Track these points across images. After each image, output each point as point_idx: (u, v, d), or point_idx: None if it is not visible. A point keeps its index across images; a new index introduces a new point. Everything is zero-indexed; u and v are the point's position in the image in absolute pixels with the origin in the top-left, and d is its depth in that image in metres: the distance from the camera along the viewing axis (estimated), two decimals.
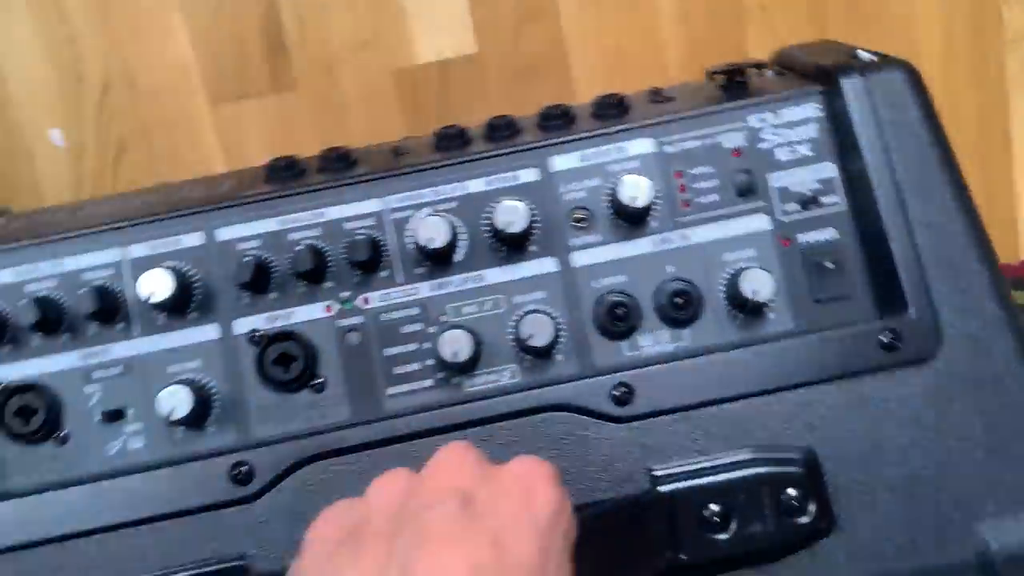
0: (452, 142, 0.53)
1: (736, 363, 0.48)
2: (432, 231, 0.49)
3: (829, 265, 0.50)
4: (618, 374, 0.48)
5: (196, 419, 0.49)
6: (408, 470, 0.39)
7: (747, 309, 0.49)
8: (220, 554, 0.46)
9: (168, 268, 0.48)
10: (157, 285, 0.48)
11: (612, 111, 0.54)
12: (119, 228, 0.51)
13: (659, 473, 0.46)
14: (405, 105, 0.78)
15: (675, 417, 0.47)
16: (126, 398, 0.50)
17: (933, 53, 0.80)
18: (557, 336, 0.49)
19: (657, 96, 0.56)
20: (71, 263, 0.50)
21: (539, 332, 0.48)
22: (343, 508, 0.38)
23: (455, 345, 0.48)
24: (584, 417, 0.47)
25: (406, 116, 0.78)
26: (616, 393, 0.47)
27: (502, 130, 0.53)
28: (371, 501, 0.37)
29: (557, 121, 0.54)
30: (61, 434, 0.49)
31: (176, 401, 0.47)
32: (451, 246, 0.50)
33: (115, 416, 0.49)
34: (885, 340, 0.47)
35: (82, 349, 0.50)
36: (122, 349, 0.50)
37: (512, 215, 0.49)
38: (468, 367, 0.50)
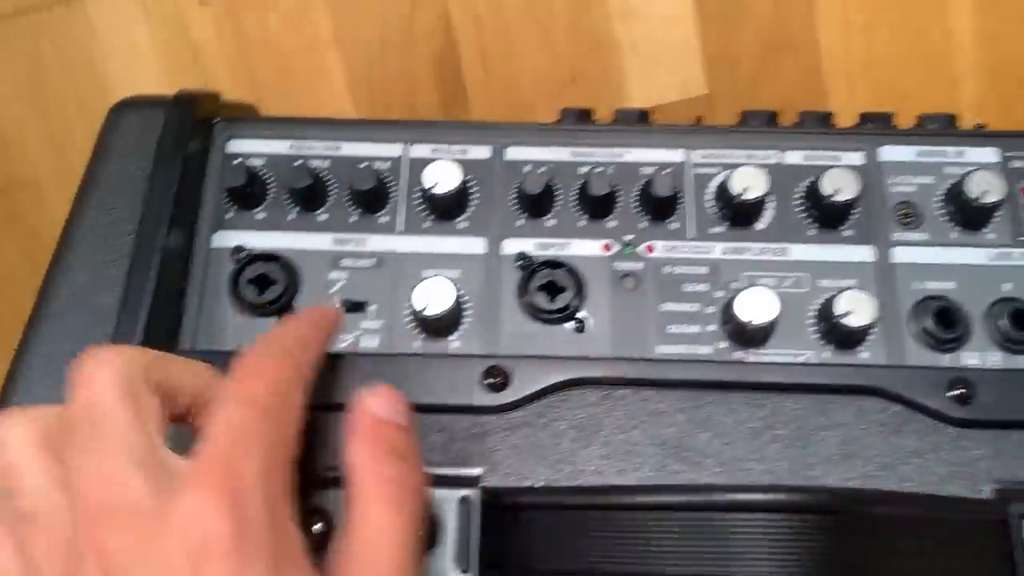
0: (761, 120, 0.49)
1: None
2: (748, 181, 0.44)
3: None
4: (953, 372, 0.40)
5: (446, 324, 0.43)
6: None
7: None
8: (456, 459, 0.38)
9: (458, 164, 0.45)
10: (445, 176, 0.44)
11: (939, 123, 0.49)
12: (407, 126, 0.48)
13: (1010, 488, 0.37)
14: None
15: None
16: (371, 292, 0.45)
17: None
18: (874, 324, 0.42)
19: (982, 127, 0.51)
20: (349, 148, 0.47)
21: (859, 310, 0.41)
22: None
23: (757, 303, 0.41)
24: (910, 410, 0.39)
25: None
26: (957, 391, 0.39)
27: (819, 120, 0.49)
28: None
29: (878, 122, 0.49)
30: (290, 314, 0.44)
31: (437, 294, 0.42)
32: (760, 207, 0.45)
33: (355, 307, 0.44)
34: None
35: (338, 234, 0.46)
36: (379, 242, 0.45)
37: (843, 182, 0.43)
38: (758, 339, 0.43)
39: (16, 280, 0.72)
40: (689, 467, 0.38)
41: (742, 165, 0.44)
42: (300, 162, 0.45)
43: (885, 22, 0.68)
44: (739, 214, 0.45)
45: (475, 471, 0.38)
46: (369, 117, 0.69)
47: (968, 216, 0.44)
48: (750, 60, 0.69)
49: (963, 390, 0.39)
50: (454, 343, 0.43)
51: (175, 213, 0.44)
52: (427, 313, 0.42)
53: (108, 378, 0.29)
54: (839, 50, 0.68)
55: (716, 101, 0.69)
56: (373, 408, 0.32)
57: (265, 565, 0.26)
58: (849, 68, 0.68)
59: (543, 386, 0.40)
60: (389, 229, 0.46)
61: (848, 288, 0.42)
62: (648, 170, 0.47)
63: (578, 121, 0.50)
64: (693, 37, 0.68)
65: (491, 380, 0.40)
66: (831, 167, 0.44)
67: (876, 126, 0.49)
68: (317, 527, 0.36)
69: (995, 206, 0.44)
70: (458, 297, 0.43)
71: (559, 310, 0.44)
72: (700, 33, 0.68)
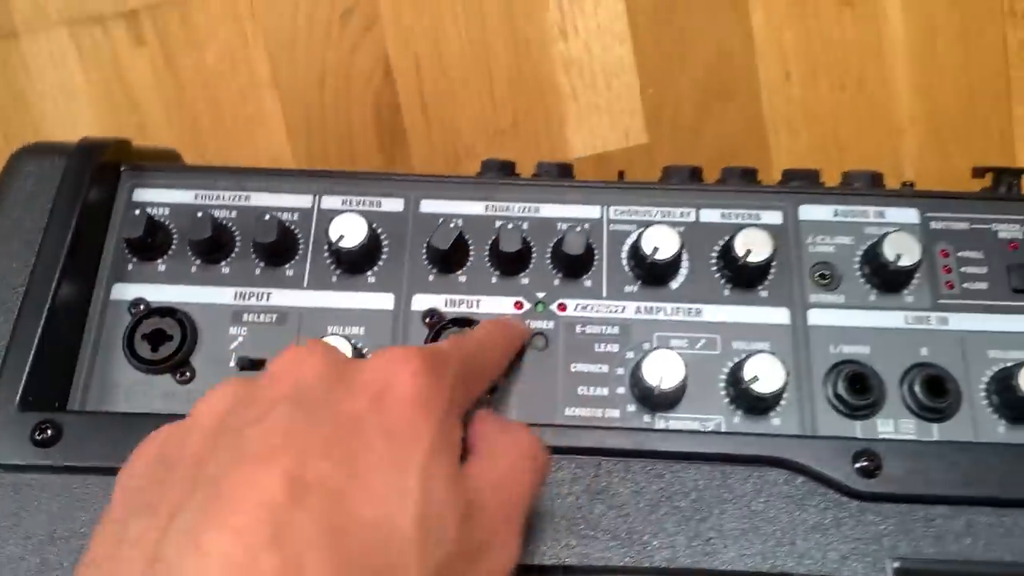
0: (682, 176, 0.48)
1: (1009, 462, 0.38)
2: (659, 241, 0.43)
3: None
4: (862, 443, 0.38)
5: None
6: (245, 380, 0.31)
7: (1019, 412, 0.41)
8: None
9: (365, 217, 0.43)
10: (350, 229, 0.43)
11: (865, 182, 0.48)
12: (318, 176, 0.47)
13: (912, 567, 0.36)
14: None
15: (930, 509, 0.37)
16: (271, 349, 0.43)
17: None
18: (783, 390, 0.40)
19: (911, 185, 0.51)
20: (258, 199, 0.46)
21: (767, 376, 0.40)
22: (162, 435, 0.31)
23: (664, 367, 0.40)
24: (814, 483, 0.38)
25: None
26: (862, 463, 0.38)
27: (741, 176, 0.48)
28: (194, 420, 0.30)
29: (802, 180, 0.48)
30: (186, 372, 0.43)
31: None
32: (673, 266, 0.44)
33: (253, 365, 0.43)
34: None
35: (241, 287, 0.44)
36: (283, 297, 0.44)
37: (755, 242, 0.43)
38: (666, 403, 0.42)
39: None
40: (581, 542, 0.36)
41: (654, 224, 0.44)
42: (201, 213, 0.43)
43: (824, 72, 0.67)
44: (651, 274, 0.44)
45: None
46: (307, 160, 0.68)
47: (885, 279, 0.43)
48: (691, 109, 0.68)
49: (868, 462, 0.38)
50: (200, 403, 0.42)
51: (69, 265, 0.42)
52: None
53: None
54: (779, 99, 0.68)
55: (656, 150, 0.68)
56: None
57: (437, 423, 0.29)
58: (790, 117, 0.68)
59: None
60: (295, 283, 0.45)
61: (758, 352, 0.41)
62: (564, 226, 0.46)
63: (500, 173, 0.49)
64: (633, 86, 0.68)
65: None
66: (746, 227, 0.43)
67: (800, 184, 0.48)
68: None
69: (912, 269, 0.43)
70: (361, 354, 0.42)
71: None
72: (640, 83, 0.68)
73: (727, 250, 0.43)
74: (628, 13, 0.67)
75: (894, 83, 0.68)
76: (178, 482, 0.27)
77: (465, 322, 0.43)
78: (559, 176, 0.48)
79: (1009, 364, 0.41)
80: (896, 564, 0.36)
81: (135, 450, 0.30)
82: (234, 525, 0.24)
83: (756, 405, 0.41)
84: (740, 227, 0.44)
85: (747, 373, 0.40)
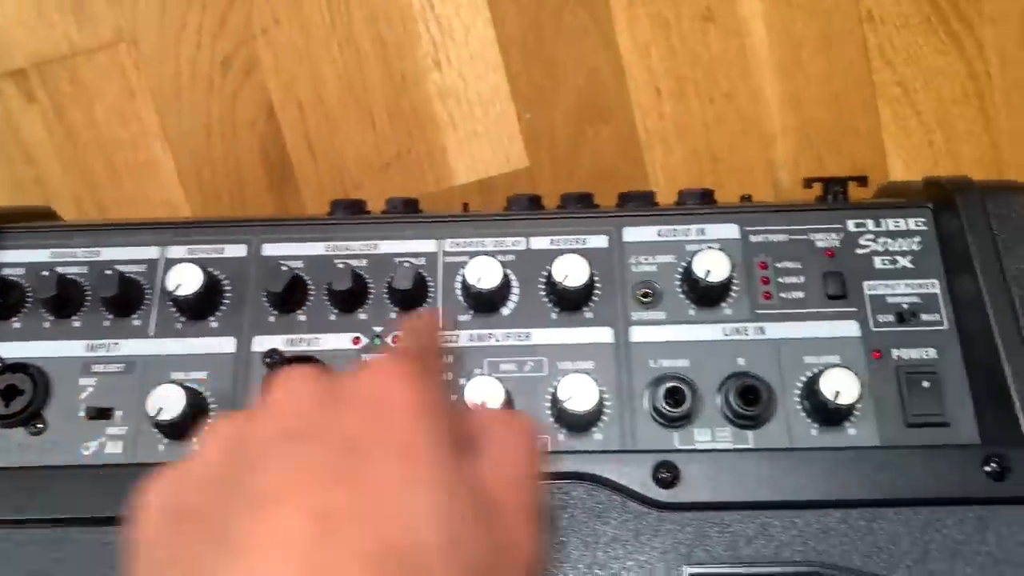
0: (522, 205, 0.50)
1: (807, 466, 0.40)
2: (482, 271, 0.45)
3: (925, 385, 0.43)
4: (664, 454, 0.40)
5: (182, 429, 0.43)
6: (240, 420, 0.31)
7: (826, 415, 0.43)
8: None
9: (201, 267, 0.45)
10: (186, 279, 0.45)
11: (696, 199, 0.50)
12: (164, 228, 0.49)
13: (697, 572, 0.37)
14: None
15: (727, 515, 0.39)
16: (118, 398, 0.45)
17: None
18: (601, 407, 0.43)
19: (748, 199, 0.53)
20: (107, 253, 0.48)
21: (579, 395, 0.42)
22: (159, 485, 0.30)
23: (485, 392, 0.42)
24: (616, 495, 0.40)
25: None
26: (662, 474, 0.40)
27: (577, 202, 0.50)
28: (190, 467, 0.30)
29: (636, 202, 0.50)
30: (39, 424, 0.45)
31: (168, 402, 0.42)
32: (500, 294, 0.46)
33: (100, 414, 0.45)
34: (991, 469, 0.39)
35: (90, 340, 0.46)
36: (131, 346, 0.46)
37: (572, 268, 0.45)
38: None
39: None
40: None
41: (480, 255, 0.46)
42: (48, 271, 0.45)
43: (692, 87, 0.70)
44: (480, 302, 0.46)
45: None
46: (200, 205, 0.70)
47: (700, 294, 0.45)
48: (568, 131, 0.70)
49: (668, 473, 0.39)
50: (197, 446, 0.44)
51: None
52: (161, 419, 0.42)
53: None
54: (652, 117, 0.70)
55: (537, 173, 0.70)
56: None
57: (438, 427, 0.29)
58: (664, 134, 0.70)
59: None
60: (142, 332, 0.46)
61: (571, 372, 0.43)
62: (402, 260, 0.48)
63: (347, 212, 0.51)
64: (510, 112, 0.70)
65: None
66: (568, 252, 0.45)
67: (631, 206, 0.50)
68: None
69: (724, 284, 0.45)
70: (194, 399, 0.44)
71: None
72: (516, 108, 0.70)
73: (548, 279, 0.45)
74: (498, 41, 0.70)
75: (762, 94, 0.70)
76: (191, 537, 0.27)
77: (305, 360, 0.45)
78: (405, 211, 0.51)
79: (820, 369, 0.43)
80: (691, 570, 0.38)
81: (137, 505, 0.29)
82: (269, 573, 0.24)
83: (576, 422, 0.43)
84: (566, 252, 0.46)
85: (562, 393, 0.42)
